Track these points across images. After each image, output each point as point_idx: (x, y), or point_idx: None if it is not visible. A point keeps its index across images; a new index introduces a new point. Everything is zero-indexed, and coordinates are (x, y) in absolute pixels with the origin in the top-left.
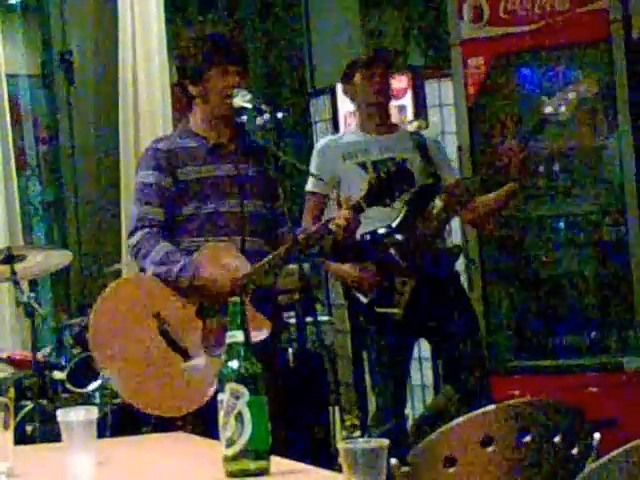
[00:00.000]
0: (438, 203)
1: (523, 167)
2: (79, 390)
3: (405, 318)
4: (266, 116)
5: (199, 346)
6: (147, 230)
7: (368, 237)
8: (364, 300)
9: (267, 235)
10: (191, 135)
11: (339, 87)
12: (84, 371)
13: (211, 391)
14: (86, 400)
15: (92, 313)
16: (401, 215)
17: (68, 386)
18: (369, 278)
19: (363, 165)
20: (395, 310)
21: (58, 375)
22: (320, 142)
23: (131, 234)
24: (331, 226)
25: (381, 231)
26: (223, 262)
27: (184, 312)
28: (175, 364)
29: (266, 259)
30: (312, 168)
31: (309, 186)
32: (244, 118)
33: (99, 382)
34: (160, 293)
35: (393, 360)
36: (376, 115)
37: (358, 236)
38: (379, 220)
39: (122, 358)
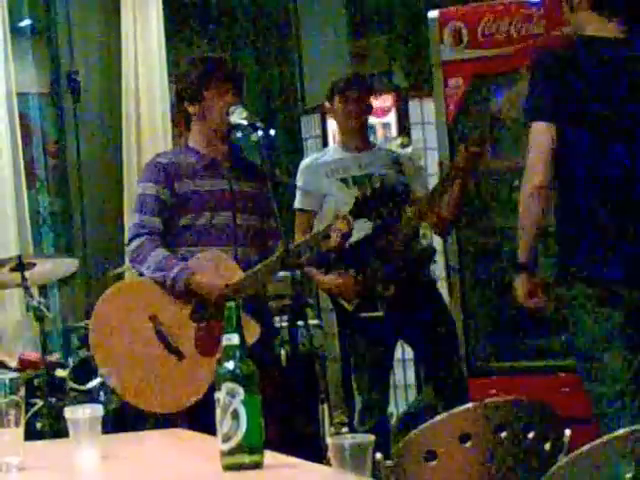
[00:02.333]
0: (409, 213)
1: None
2: (80, 387)
3: (386, 321)
4: (260, 132)
5: (193, 347)
6: (145, 237)
7: (347, 246)
8: (348, 307)
9: (258, 247)
10: (189, 151)
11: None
12: (86, 369)
13: (203, 390)
14: (92, 399)
15: (92, 315)
16: (375, 225)
17: (70, 383)
18: (350, 286)
19: (345, 180)
20: (379, 314)
21: (61, 373)
22: (305, 161)
23: (130, 241)
24: (331, 232)
25: (359, 240)
26: (217, 269)
27: (179, 315)
28: (170, 364)
29: (258, 266)
30: (298, 185)
31: (297, 204)
32: (239, 135)
33: (98, 380)
34: (156, 296)
35: (376, 361)
36: (354, 135)
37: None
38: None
39: (120, 358)
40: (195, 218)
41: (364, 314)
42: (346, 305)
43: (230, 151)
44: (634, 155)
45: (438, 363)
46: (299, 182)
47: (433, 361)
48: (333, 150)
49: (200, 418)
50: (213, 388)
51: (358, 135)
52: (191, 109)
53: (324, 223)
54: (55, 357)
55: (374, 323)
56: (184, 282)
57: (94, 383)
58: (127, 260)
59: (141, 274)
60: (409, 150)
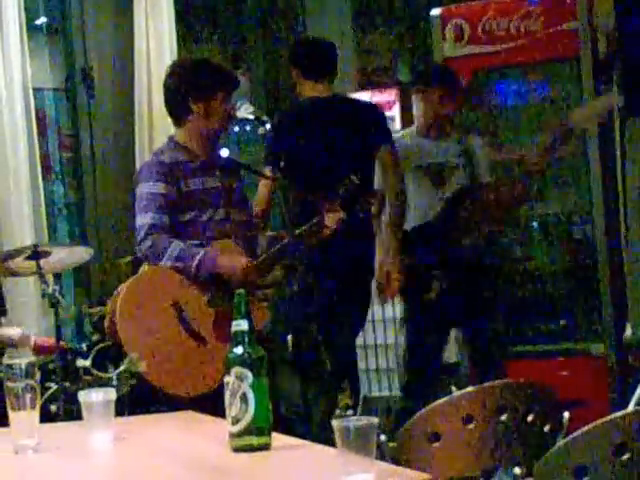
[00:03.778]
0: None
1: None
2: (104, 375)
3: (439, 306)
4: (267, 126)
5: (214, 333)
6: (158, 234)
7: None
8: (429, 296)
9: (243, 239)
10: (183, 150)
11: None
12: (105, 357)
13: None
14: (105, 383)
15: (118, 304)
16: (440, 211)
17: (93, 372)
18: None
19: (419, 167)
20: (430, 296)
21: (82, 363)
22: None
23: (142, 241)
24: (327, 222)
25: (421, 225)
26: (231, 253)
27: (200, 301)
28: (192, 349)
29: (272, 250)
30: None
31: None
32: (247, 128)
33: (122, 368)
34: (178, 284)
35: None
36: (434, 123)
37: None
38: (420, 216)
39: (145, 344)
40: (197, 215)
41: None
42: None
43: (214, 152)
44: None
45: (486, 345)
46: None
47: (481, 343)
48: (410, 134)
49: (212, 401)
50: None
51: (437, 123)
52: (195, 107)
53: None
54: (68, 342)
55: (427, 305)
56: (210, 265)
57: (117, 371)
58: (140, 256)
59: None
60: (477, 138)
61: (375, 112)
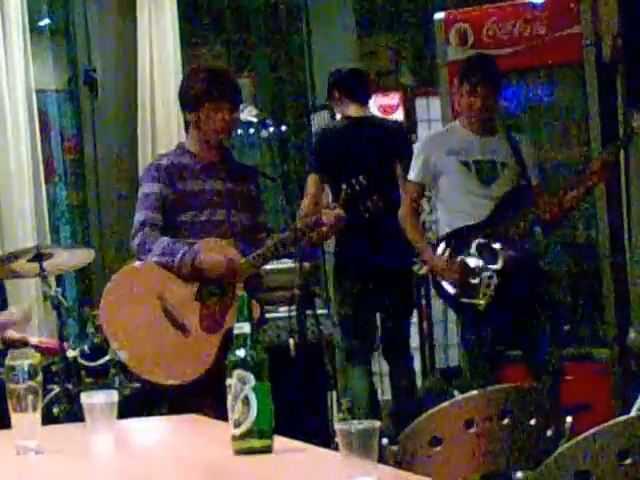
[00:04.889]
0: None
1: (607, 173)
2: (91, 364)
3: (488, 311)
4: (271, 129)
5: (198, 324)
6: (147, 230)
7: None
8: (451, 291)
9: (248, 240)
10: (186, 154)
11: None
12: (97, 350)
13: (207, 364)
14: (107, 384)
15: (103, 295)
16: (490, 213)
17: (80, 360)
18: (454, 271)
19: (466, 164)
20: (480, 302)
21: (71, 353)
22: (426, 135)
23: (133, 237)
24: (324, 219)
25: (469, 226)
26: (221, 251)
27: (185, 294)
28: (176, 340)
29: (258, 251)
30: (416, 159)
31: (412, 176)
32: (251, 131)
33: (107, 357)
34: (163, 278)
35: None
36: (479, 118)
37: (448, 229)
38: (463, 216)
39: (130, 334)
40: (194, 215)
41: (464, 300)
42: (449, 288)
43: (224, 155)
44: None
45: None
46: (417, 155)
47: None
48: (457, 129)
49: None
50: (218, 365)
51: (483, 119)
52: (188, 117)
53: (438, 200)
54: (70, 343)
55: (476, 310)
56: (190, 262)
57: (103, 360)
58: (133, 252)
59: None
60: (524, 136)
61: (401, 131)
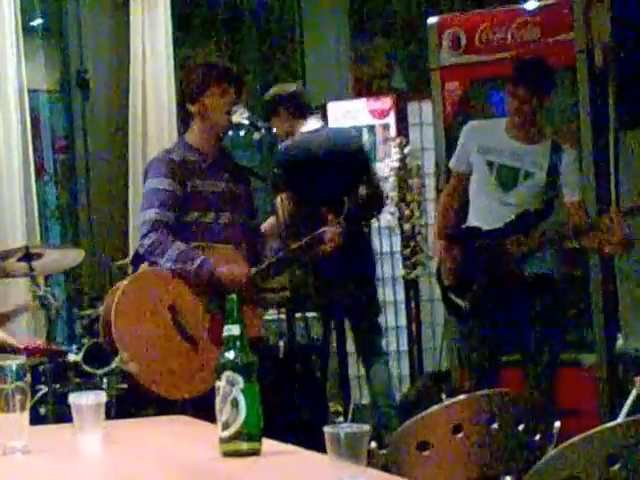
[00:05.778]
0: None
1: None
2: (93, 371)
3: (470, 313)
4: (262, 131)
5: (208, 337)
6: (161, 231)
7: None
8: (446, 282)
9: (250, 244)
10: (192, 150)
11: (329, 105)
12: (97, 355)
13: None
14: (95, 385)
15: (115, 299)
16: (505, 221)
17: (83, 367)
18: (453, 260)
19: (490, 164)
20: (463, 303)
21: (73, 357)
22: (471, 123)
23: (145, 236)
24: (325, 235)
25: (478, 229)
26: (233, 262)
27: (196, 306)
28: (186, 352)
29: (269, 261)
30: (458, 146)
31: (450, 163)
32: (241, 134)
33: (112, 366)
34: (175, 287)
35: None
36: (518, 122)
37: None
38: (476, 215)
39: (139, 345)
40: (200, 216)
41: (451, 296)
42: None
43: (223, 153)
44: None
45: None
46: (460, 142)
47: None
48: (499, 128)
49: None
50: None
51: (522, 124)
52: (193, 108)
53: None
54: (59, 343)
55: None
56: (208, 272)
57: (107, 369)
58: (141, 251)
59: (152, 264)
60: (571, 151)
61: (356, 139)
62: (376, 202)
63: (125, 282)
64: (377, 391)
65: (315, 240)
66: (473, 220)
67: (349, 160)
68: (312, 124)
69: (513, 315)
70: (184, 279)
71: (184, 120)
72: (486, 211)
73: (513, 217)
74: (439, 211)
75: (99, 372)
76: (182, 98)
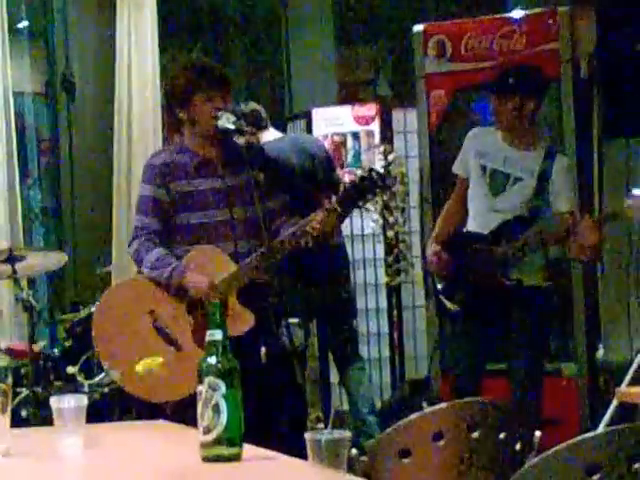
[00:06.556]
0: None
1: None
2: (90, 382)
3: (457, 316)
4: (247, 136)
5: (190, 339)
6: (143, 238)
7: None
8: (438, 285)
9: (259, 235)
10: (183, 151)
11: (314, 112)
12: (91, 365)
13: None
14: (76, 388)
15: (95, 312)
16: (492, 228)
17: (79, 379)
18: (443, 264)
19: (483, 168)
20: (451, 306)
21: (71, 370)
22: (474, 129)
23: (130, 244)
24: (307, 228)
25: (473, 235)
26: (210, 265)
27: (176, 309)
28: (168, 356)
29: (243, 262)
30: (461, 150)
31: (455, 168)
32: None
33: (103, 375)
34: (154, 293)
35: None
36: (509, 129)
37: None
38: (476, 222)
39: (121, 351)
40: (192, 217)
41: (442, 298)
42: (437, 282)
43: (223, 149)
44: None
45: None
46: (463, 147)
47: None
48: (495, 134)
49: (184, 411)
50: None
51: (513, 130)
52: (181, 114)
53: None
54: (40, 345)
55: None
56: (176, 282)
57: (100, 377)
58: (116, 258)
59: (139, 271)
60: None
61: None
62: (371, 185)
63: (106, 292)
64: (353, 397)
65: (299, 231)
66: (469, 225)
67: (313, 164)
68: (274, 134)
69: (498, 322)
70: (161, 285)
71: (171, 124)
72: (478, 216)
73: (499, 223)
74: (441, 214)
75: (93, 382)
76: (169, 102)
